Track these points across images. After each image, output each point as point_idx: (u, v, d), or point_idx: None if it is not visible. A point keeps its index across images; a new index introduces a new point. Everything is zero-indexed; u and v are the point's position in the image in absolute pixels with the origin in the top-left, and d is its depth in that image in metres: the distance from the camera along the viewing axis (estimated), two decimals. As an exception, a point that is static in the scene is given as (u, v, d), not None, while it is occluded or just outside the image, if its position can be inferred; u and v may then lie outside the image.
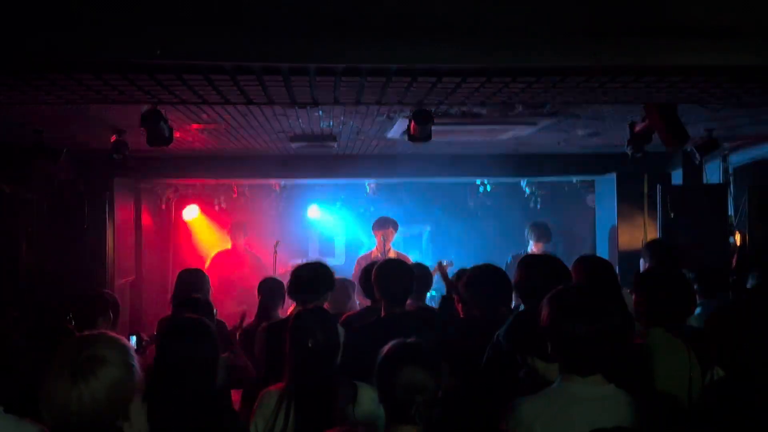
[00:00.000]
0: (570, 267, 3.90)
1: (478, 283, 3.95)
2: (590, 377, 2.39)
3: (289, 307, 4.93)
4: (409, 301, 4.06)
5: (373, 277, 3.99)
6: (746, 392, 2.40)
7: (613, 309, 2.41)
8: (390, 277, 3.94)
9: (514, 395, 2.56)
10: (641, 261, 5.05)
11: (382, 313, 3.96)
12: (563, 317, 2.38)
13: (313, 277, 4.14)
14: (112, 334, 2.24)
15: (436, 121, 4.33)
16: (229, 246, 8.53)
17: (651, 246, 5.13)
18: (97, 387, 2.01)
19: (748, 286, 5.08)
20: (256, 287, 5.09)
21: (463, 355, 3.41)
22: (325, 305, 4.82)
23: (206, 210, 9.35)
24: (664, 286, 3.30)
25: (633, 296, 3.43)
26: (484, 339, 3.47)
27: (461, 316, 4.41)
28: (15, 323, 3.65)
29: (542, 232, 7.55)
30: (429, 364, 2.47)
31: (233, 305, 7.68)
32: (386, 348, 2.54)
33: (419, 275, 4.59)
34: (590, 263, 4.04)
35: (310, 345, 2.97)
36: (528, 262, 3.59)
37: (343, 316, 4.52)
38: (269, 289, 5.04)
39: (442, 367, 3.11)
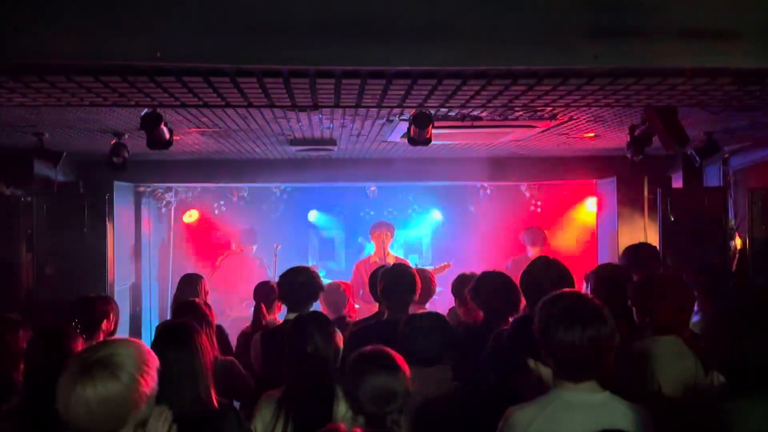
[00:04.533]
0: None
1: (486, 290, 3.94)
2: (583, 383, 2.39)
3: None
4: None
5: (378, 281, 4.00)
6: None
7: (607, 316, 2.40)
8: (394, 281, 3.95)
9: (515, 399, 2.56)
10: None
11: (385, 316, 3.96)
12: (555, 323, 2.38)
13: (302, 283, 4.16)
14: (138, 341, 2.24)
15: (436, 124, 4.33)
16: (236, 250, 8.64)
17: (627, 252, 5.10)
18: (91, 395, 2.02)
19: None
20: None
21: (466, 359, 3.40)
22: (323, 309, 4.84)
23: (206, 214, 9.36)
24: (664, 294, 3.30)
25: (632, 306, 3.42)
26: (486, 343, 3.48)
27: (464, 320, 4.41)
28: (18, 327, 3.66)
29: (537, 237, 7.55)
30: (391, 368, 2.46)
31: (242, 308, 7.75)
32: (349, 360, 2.54)
33: (422, 281, 4.59)
34: (607, 271, 4.04)
35: (309, 349, 2.96)
36: (535, 265, 3.61)
37: (351, 321, 4.54)
38: (264, 294, 5.05)
39: (444, 371, 3.12)
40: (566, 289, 2.67)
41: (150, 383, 2.15)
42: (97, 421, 2.05)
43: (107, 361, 2.07)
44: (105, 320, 4.28)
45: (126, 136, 5.23)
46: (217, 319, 4.59)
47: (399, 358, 2.55)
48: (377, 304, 4.47)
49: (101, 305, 4.37)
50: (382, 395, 2.39)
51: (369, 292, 4.68)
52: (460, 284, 4.89)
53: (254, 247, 8.70)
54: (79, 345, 3.21)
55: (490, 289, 3.90)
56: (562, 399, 2.39)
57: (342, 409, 2.82)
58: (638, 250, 5.09)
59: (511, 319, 3.96)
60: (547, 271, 3.54)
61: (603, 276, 4.00)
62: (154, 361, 2.20)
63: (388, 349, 2.60)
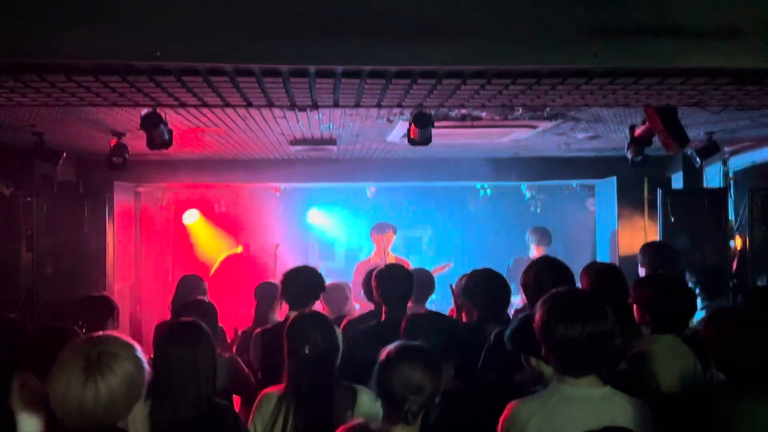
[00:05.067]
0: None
1: (478, 287, 3.95)
2: (584, 379, 2.41)
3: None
4: (410, 305, 4.06)
5: (373, 282, 4.00)
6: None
7: (607, 312, 2.41)
8: (390, 281, 3.94)
9: (515, 397, 2.56)
10: (639, 266, 5.04)
11: (383, 317, 3.96)
12: (555, 319, 2.40)
13: (304, 281, 4.15)
14: (118, 334, 2.25)
15: (436, 124, 4.33)
16: (237, 250, 8.66)
17: (646, 249, 5.11)
18: (113, 381, 2.03)
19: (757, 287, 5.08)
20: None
21: (466, 358, 3.40)
22: (323, 309, 4.83)
23: (206, 213, 9.37)
24: (665, 293, 3.30)
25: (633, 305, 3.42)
26: (485, 341, 3.47)
27: (463, 320, 4.41)
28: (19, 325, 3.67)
29: (542, 236, 7.56)
30: (428, 366, 2.48)
31: (243, 307, 7.75)
32: (389, 347, 2.56)
33: (422, 280, 4.58)
34: (598, 270, 4.04)
35: (308, 349, 2.96)
36: (537, 264, 3.61)
37: (344, 320, 4.52)
38: (266, 293, 5.05)
39: (446, 369, 3.12)
40: (567, 287, 2.69)
41: (147, 367, 2.17)
42: (118, 409, 2.05)
43: (110, 351, 2.08)
44: (110, 319, 4.31)
45: (126, 135, 5.24)
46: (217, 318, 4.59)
47: (437, 361, 2.56)
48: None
49: (106, 304, 4.39)
50: (412, 384, 2.42)
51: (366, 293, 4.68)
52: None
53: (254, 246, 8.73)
54: None
55: (482, 286, 3.91)
56: (562, 393, 2.41)
57: (365, 405, 2.83)
58: (656, 249, 5.10)
59: (511, 315, 3.97)
60: (549, 270, 3.54)
61: (592, 275, 3.99)
62: (138, 345, 2.23)
63: (430, 351, 2.61)
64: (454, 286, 4.80)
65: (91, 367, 2.02)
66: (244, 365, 4.04)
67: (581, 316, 2.37)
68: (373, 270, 4.37)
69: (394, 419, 2.41)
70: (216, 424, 2.70)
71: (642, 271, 4.87)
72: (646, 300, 3.33)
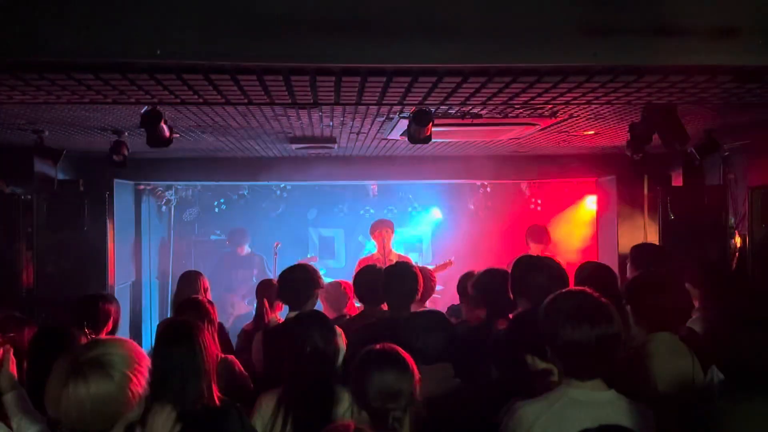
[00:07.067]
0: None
1: (487, 286, 3.95)
2: (590, 382, 2.41)
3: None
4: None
5: (381, 280, 4.01)
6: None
7: (614, 315, 2.41)
8: (396, 281, 3.94)
9: (516, 396, 2.56)
10: (628, 266, 5.04)
11: (388, 315, 3.96)
12: (563, 322, 2.39)
13: (298, 280, 4.15)
14: (129, 341, 2.23)
15: (436, 122, 4.33)
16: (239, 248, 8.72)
17: (635, 251, 5.11)
18: (83, 395, 2.00)
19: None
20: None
21: (467, 357, 3.41)
22: (324, 308, 4.84)
23: (206, 211, 9.37)
24: (659, 291, 3.30)
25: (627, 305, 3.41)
26: (486, 341, 3.48)
27: (466, 318, 4.42)
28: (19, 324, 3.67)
29: (541, 235, 7.56)
30: (400, 368, 2.47)
31: (245, 305, 7.78)
32: (358, 356, 2.54)
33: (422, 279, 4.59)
34: (588, 270, 4.04)
35: (308, 350, 2.96)
36: (526, 262, 3.60)
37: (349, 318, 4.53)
38: (266, 291, 5.06)
39: (446, 369, 3.12)
40: (573, 288, 2.68)
41: (142, 382, 2.12)
42: (89, 421, 2.02)
43: (99, 360, 2.05)
44: (111, 318, 4.32)
45: (126, 133, 5.24)
46: (219, 317, 4.60)
47: (409, 359, 2.55)
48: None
49: (107, 304, 4.40)
50: (389, 393, 2.40)
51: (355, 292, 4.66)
52: (465, 283, 4.89)
53: (246, 246, 8.76)
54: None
55: (494, 285, 3.91)
56: (569, 396, 2.41)
57: (341, 409, 2.82)
58: (643, 251, 5.09)
59: (510, 316, 3.97)
60: (543, 269, 3.54)
61: (584, 276, 3.99)
62: (146, 361, 2.18)
63: (399, 348, 2.60)
64: (463, 285, 4.81)
65: (71, 373, 2.01)
66: (242, 367, 4.04)
67: (588, 319, 2.36)
68: (360, 272, 4.36)
69: (381, 427, 2.40)
70: (220, 422, 2.70)
71: (630, 271, 4.87)
72: (641, 299, 3.32)
